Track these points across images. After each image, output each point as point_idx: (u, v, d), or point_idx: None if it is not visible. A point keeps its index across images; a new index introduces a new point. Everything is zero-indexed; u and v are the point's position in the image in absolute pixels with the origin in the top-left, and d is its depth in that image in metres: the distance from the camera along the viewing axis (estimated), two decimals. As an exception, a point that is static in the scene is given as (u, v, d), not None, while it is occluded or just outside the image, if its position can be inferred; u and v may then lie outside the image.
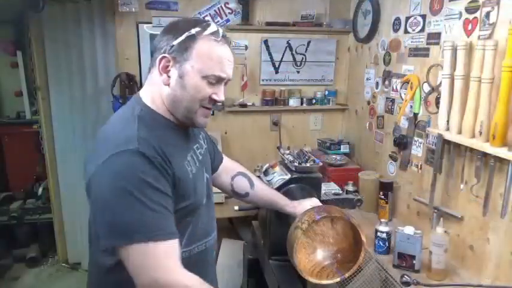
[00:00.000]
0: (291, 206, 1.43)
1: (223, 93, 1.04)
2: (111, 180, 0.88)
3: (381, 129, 2.22)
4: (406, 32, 1.95)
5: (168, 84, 1.01)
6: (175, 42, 0.98)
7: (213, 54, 0.99)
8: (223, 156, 1.47)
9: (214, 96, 1.02)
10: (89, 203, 0.96)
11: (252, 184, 1.43)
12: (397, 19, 2.03)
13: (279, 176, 1.63)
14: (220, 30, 1.02)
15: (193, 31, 0.98)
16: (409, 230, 1.52)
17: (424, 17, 1.81)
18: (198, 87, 0.99)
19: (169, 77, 1.00)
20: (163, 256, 0.89)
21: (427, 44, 1.79)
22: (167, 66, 1.00)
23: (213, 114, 2.58)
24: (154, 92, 1.04)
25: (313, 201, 1.45)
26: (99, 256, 1.01)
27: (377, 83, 2.26)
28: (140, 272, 0.88)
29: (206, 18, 2.47)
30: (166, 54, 0.99)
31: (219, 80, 1.01)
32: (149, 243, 0.87)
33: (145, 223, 0.88)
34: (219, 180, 1.42)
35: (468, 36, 1.52)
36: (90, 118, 2.86)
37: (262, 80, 2.63)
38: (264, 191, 1.46)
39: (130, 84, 2.45)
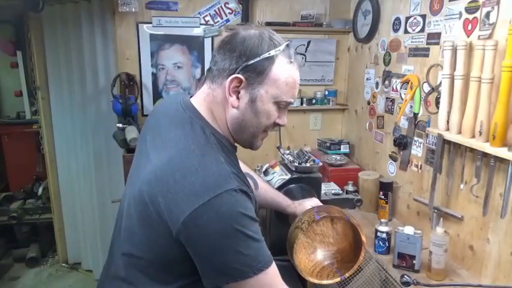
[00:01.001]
0: (292, 207, 1.43)
1: (286, 118, 1.01)
2: (222, 223, 0.84)
3: (381, 129, 2.22)
4: (406, 32, 1.95)
5: (237, 107, 0.94)
6: (250, 63, 0.90)
7: (289, 79, 0.94)
8: None
9: (279, 121, 0.98)
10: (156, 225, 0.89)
11: (256, 185, 1.42)
12: (397, 19, 2.03)
13: (279, 176, 1.64)
14: (292, 50, 0.96)
15: (272, 52, 0.91)
16: (409, 230, 1.52)
17: (424, 17, 1.81)
18: (269, 113, 0.95)
19: (238, 98, 0.94)
20: (274, 276, 0.92)
21: (427, 44, 1.79)
22: (237, 87, 0.93)
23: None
24: (217, 110, 0.97)
25: (314, 201, 1.45)
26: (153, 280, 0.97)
27: (377, 83, 2.26)
28: None
29: (206, 19, 2.48)
30: (239, 75, 0.91)
31: (287, 105, 0.98)
32: (263, 271, 0.88)
33: (258, 255, 0.88)
34: None
35: (468, 36, 1.52)
36: (90, 118, 2.86)
37: (262, 80, 2.62)
38: (268, 192, 1.46)
39: (130, 84, 2.45)
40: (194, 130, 0.94)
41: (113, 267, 1.07)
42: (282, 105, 0.96)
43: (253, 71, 0.91)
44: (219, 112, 0.97)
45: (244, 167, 1.45)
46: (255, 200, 0.97)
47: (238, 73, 0.91)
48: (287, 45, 0.94)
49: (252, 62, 0.90)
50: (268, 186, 1.50)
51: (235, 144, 1.06)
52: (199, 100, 1.00)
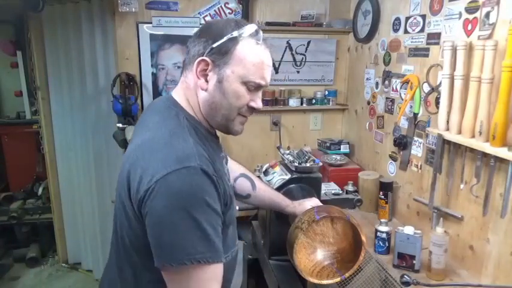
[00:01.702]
0: (292, 207, 1.43)
1: (261, 100, 1.00)
2: (171, 199, 0.83)
3: (380, 129, 2.22)
4: (406, 32, 1.95)
5: (206, 89, 0.96)
6: (215, 45, 0.92)
7: (255, 59, 0.94)
8: (231, 161, 1.43)
9: (252, 104, 0.98)
10: (129, 205, 0.91)
11: (253, 186, 1.42)
12: (397, 19, 2.03)
13: (279, 176, 1.63)
14: (260, 32, 0.97)
15: (235, 33, 0.93)
16: (409, 230, 1.52)
17: (424, 17, 1.81)
18: (238, 94, 0.95)
19: (207, 81, 0.96)
20: (211, 279, 0.87)
21: (427, 44, 1.79)
22: (205, 70, 0.95)
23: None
24: (191, 96, 0.99)
25: (314, 201, 1.45)
26: (141, 270, 0.97)
27: (377, 83, 2.26)
28: None
29: (206, 19, 2.48)
30: (205, 57, 0.93)
31: (258, 87, 0.97)
32: (200, 265, 0.84)
33: (200, 245, 0.84)
34: None
35: (468, 36, 1.52)
36: (90, 118, 2.86)
37: (262, 80, 2.62)
38: (266, 193, 1.45)
39: (130, 84, 2.45)
40: (169, 115, 0.97)
41: (109, 265, 1.09)
42: (251, 86, 0.96)
43: (219, 53, 0.93)
44: (193, 98, 0.99)
45: (241, 169, 1.44)
46: (228, 193, 0.96)
47: (205, 56, 0.93)
48: (256, 31, 0.96)
49: (216, 44, 0.92)
50: (266, 186, 1.49)
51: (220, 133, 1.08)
52: (177, 90, 1.03)
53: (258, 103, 0.99)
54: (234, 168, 1.42)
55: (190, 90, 0.99)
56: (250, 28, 0.95)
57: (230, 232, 1.06)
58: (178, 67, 2.51)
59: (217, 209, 0.89)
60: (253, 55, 0.94)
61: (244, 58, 0.93)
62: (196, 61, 0.94)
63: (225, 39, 0.92)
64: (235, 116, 0.99)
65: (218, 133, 1.11)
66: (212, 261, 0.86)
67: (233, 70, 0.93)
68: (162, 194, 0.83)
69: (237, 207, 1.76)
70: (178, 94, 1.02)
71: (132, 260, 0.98)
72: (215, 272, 0.88)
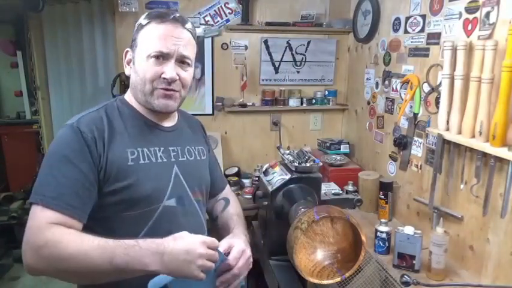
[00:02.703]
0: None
1: (173, 70, 1.03)
2: (49, 147, 1.02)
3: (380, 129, 2.22)
4: (406, 32, 1.95)
5: (129, 75, 1.10)
6: (133, 36, 1.07)
7: (154, 34, 1.03)
8: (228, 188, 1.41)
9: (164, 75, 1.03)
10: None
11: (223, 209, 1.32)
12: (397, 19, 2.03)
13: (279, 176, 1.63)
14: (172, 15, 1.05)
15: (141, 21, 1.05)
16: (409, 230, 1.52)
17: (424, 17, 1.81)
18: (144, 68, 1.03)
19: (130, 68, 1.09)
20: (46, 221, 0.90)
21: (427, 44, 1.79)
22: (130, 59, 1.09)
23: (213, 114, 2.59)
24: (130, 87, 1.12)
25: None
26: None
27: (377, 83, 2.26)
28: (25, 232, 0.91)
29: (206, 19, 2.48)
30: (128, 48, 1.09)
31: (164, 56, 1.03)
32: (39, 206, 0.91)
33: (44, 188, 0.94)
34: (209, 205, 1.32)
35: (468, 36, 1.52)
36: (90, 118, 2.85)
37: (262, 80, 2.63)
38: (228, 219, 1.28)
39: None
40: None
41: None
42: (154, 56, 1.02)
43: (133, 41, 1.08)
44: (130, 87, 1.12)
45: (233, 197, 1.38)
46: (118, 166, 1.00)
47: (128, 47, 1.09)
48: (163, 14, 1.05)
49: (133, 35, 1.07)
50: (235, 215, 1.30)
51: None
52: None
53: (168, 73, 1.03)
54: (224, 192, 1.38)
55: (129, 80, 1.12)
56: (159, 14, 1.05)
57: (154, 224, 1.03)
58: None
59: (80, 165, 0.96)
60: (152, 32, 1.03)
61: (144, 38, 1.04)
62: (124, 52, 1.10)
63: (135, 28, 1.07)
64: (150, 89, 1.05)
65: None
66: (52, 206, 0.91)
67: (139, 50, 1.05)
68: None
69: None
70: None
71: None
72: (56, 218, 0.91)
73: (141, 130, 1.09)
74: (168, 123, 1.16)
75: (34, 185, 0.96)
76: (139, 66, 1.05)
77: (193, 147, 1.21)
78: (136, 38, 1.06)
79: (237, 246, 1.07)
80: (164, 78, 1.03)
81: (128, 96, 1.13)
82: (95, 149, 0.98)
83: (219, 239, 1.20)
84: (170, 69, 1.03)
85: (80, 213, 0.95)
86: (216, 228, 1.31)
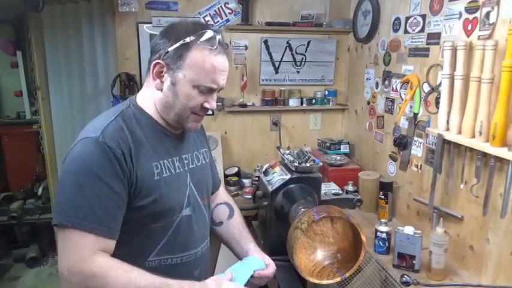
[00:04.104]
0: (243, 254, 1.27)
1: (215, 102, 1.05)
2: (67, 164, 0.94)
3: (380, 129, 2.22)
4: (406, 32, 1.95)
5: (161, 90, 1.02)
6: (170, 49, 0.98)
7: (206, 65, 0.99)
8: (222, 186, 1.43)
9: (206, 105, 1.03)
10: None
11: (230, 216, 1.33)
12: (397, 19, 2.03)
13: (279, 176, 1.63)
14: (217, 37, 1.00)
15: (187, 39, 0.97)
16: (409, 230, 1.52)
17: (424, 17, 1.81)
18: (189, 96, 1.01)
19: (162, 82, 1.02)
20: (86, 247, 0.90)
21: (427, 44, 1.79)
22: (161, 72, 1.01)
23: (212, 114, 2.59)
24: (148, 94, 1.06)
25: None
26: None
27: (377, 83, 2.26)
28: (60, 256, 0.91)
29: (206, 19, 2.48)
30: (160, 61, 1.00)
31: (210, 90, 1.02)
32: (75, 231, 0.89)
33: (78, 210, 0.90)
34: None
35: (468, 36, 1.52)
36: (90, 118, 2.79)
37: (262, 80, 2.63)
38: (235, 229, 1.30)
39: (130, 84, 2.45)
40: (116, 107, 1.08)
41: None
42: (202, 90, 1.00)
43: (173, 57, 0.98)
44: (149, 94, 1.06)
45: (229, 199, 1.39)
46: (146, 181, 0.98)
47: (161, 59, 0.99)
48: (205, 32, 0.99)
49: (171, 48, 0.98)
50: (241, 225, 1.32)
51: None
52: (143, 87, 1.11)
53: (211, 104, 1.04)
54: (222, 195, 1.40)
55: (149, 88, 1.06)
56: (206, 34, 0.98)
57: (172, 234, 1.06)
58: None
59: (109, 182, 0.92)
60: (203, 61, 0.98)
61: (195, 64, 0.98)
62: (153, 63, 1.01)
63: (178, 44, 0.97)
64: (188, 115, 1.04)
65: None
66: (90, 230, 0.90)
67: (185, 74, 0.99)
68: (66, 159, 0.96)
69: None
70: (141, 91, 1.10)
71: None
72: (96, 242, 0.91)
73: (161, 141, 1.07)
74: (178, 130, 1.13)
75: (59, 205, 0.93)
76: (182, 91, 1.00)
77: (199, 151, 1.22)
78: (181, 58, 0.98)
79: (271, 263, 1.22)
80: (206, 109, 1.04)
81: (143, 102, 1.07)
82: (124, 166, 0.95)
83: (220, 242, 1.35)
84: (214, 102, 1.04)
85: (116, 232, 0.96)
86: (218, 232, 1.32)
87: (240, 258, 1.26)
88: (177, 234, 1.08)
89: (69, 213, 0.90)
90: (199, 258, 1.16)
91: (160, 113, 1.06)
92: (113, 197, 0.93)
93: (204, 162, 1.23)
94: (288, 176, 1.59)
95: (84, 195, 0.91)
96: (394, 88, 2.07)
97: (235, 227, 1.31)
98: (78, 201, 0.91)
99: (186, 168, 1.13)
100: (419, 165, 1.86)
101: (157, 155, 1.04)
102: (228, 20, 2.52)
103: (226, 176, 2.52)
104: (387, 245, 1.63)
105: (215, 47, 0.99)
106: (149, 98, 1.06)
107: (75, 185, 0.91)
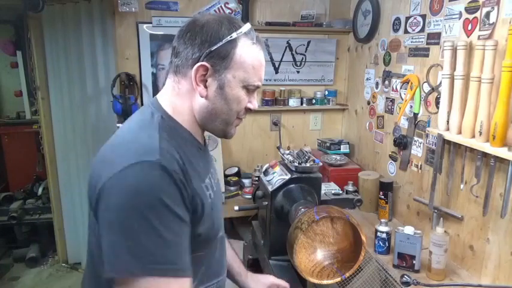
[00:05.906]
0: (242, 277, 1.29)
1: (256, 101, 0.96)
2: (125, 196, 0.73)
3: (381, 129, 2.22)
4: (406, 32, 1.95)
5: (206, 96, 0.88)
6: (213, 48, 0.85)
7: (254, 61, 0.89)
8: None
9: (250, 105, 0.93)
10: (92, 211, 0.82)
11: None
12: (397, 19, 2.03)
13: (279, 176, 1.63)
14: (253, 32, 0.91)
15: (234, 35, 0.86)
16: (409, 230, 1.52)
17: (424, 17, 1.81)
18: (239, 98, 0.90)
19: (206, 87, 0.88)
20: None
21: (427, 44, 1.79)
22: (204, 75, 0.87)
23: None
24: (181, 103, 0.91)
25: (268, 279, 1.34)
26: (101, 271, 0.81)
27: (377, 83, 2.26)
28: None
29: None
30: (204, 63, 0.85)
31: (255, 89, 0.93)
32: (158, 279, 0.73)
33: (156, 255, 0.73)
34: None
35: (468, 36, 1.52)
36: (90, 118, 2.86)
37: (262, 80, 2.62)
38: (228, 256, 1.22)
39: (130, 84, 2.45)
40: (142, 113, 0.92)
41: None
42: (250, 89, 0.91)
43: (218, 57, 0.85)
44: (183, 104, 0.91)
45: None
46: (201, 203, 0.86)
47: (202, 61, 0.85)
48: (250, 29, 0.90)
49: (215, 47, 0.85)
50: (230, 251, 1.28)
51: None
52: (162, 94, 0.94)
53: (254, 104, 0.94)
54: None
55: (182, 96, 0.91)
56: (245, 27, 0.89)
57: (208, 260, 0.97)
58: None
59: (180, 213, 0.77)
60: (251, 57, 0.89)
61: (244, 61, 0.87)
62: (195, 67, 0.85)
63: (224, 41, 0.85)
64: (234, 120, 0.94)
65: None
66: (173, 275, 0.75)
67: (234, 75, 0.87)
68: (115, 191, 0.74)
69: (237, 207, 1.77)
70: (163, 99, 0.93)
71: (99, 281, 0.81)
72: (183, 286, 0.77)
73: (200, 157, 0.95)
74: (202, 140, 1.00)
75: (125, 250, 0.72)
76: (232, 94, 0.89)
77: (212, 159, 1.12)
78: (229, 57, 0.86)
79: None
80: (249, 110, 0.94)
81: (177, 113, 0.91)
82: (186, 192, 0.80)
83: None
84: (256, 101, 0.95)
85: (191, 272, 0.81)
86: None
87: (235, 279, 1.27)
88: (214, 258, 1.00)
89: (145, 258, 0.72)
90: (224, 278, 1.08)
91: (202, 122, 0.92)
92: (185, 230, 0.80)
93: (213, 171, 1.13)
94: (288, 176, 1.59)
95: (157, 233, 0.73)
96: (394, 88, 2.07)
97: (228, 256, 1.19)
98: (152, 241, 0.73)
99: (215, 184, 1.01)
100: (419, 165, 1.86)
101: (200, 174, 0.91)
102: (228, 20, 2.51)
103: (226, 176, 2.52)
104: (387, 245, 1.63)
105: (255, 40, 0.89)
106: (185, 108, 0.91)
107: (144, 224, 0.72)
